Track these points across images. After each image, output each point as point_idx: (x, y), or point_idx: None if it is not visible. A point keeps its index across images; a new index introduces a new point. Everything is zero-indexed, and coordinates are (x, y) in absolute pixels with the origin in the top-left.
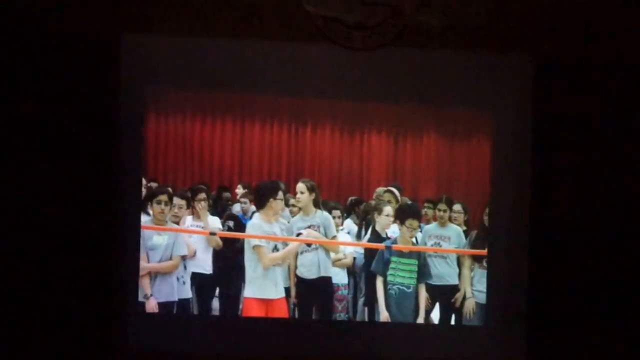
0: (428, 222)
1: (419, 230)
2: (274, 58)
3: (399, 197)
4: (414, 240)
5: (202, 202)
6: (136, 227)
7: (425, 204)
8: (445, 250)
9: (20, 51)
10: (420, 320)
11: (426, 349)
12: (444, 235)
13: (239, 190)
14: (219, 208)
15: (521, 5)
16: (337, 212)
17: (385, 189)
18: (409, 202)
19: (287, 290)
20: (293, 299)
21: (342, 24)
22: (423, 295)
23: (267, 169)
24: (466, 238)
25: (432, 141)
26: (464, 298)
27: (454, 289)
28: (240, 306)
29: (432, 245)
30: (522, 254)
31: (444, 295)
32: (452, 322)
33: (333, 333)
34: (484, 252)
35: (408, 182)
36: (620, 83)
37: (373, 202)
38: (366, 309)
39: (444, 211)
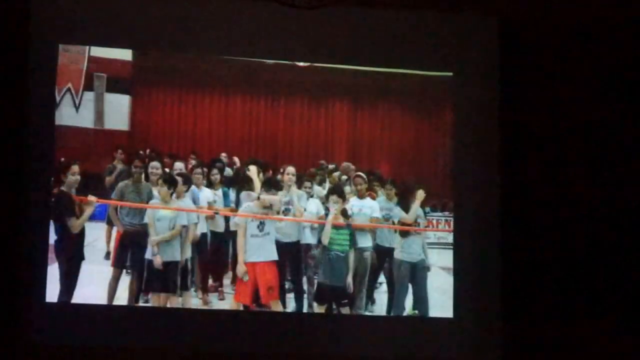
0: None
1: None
2: (208, 16)
3: (365, 180)
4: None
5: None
6: (44, 218)
7: (374, 183)
8: (391, 227)
9: None
10: (349, 278)
11: (395, 342)
12: (390, 207)
13: (193, 161)
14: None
15: None
16: (308, 184)
17: (355, 171)
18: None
19: None
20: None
21: None
22: (352, 259)
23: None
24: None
25: (387, 109)
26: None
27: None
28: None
29: (383, 216)
30: (492, 236)
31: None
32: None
33: (291, 326)
34: (449, 230)
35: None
36: (584, 42)
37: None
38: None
39: (390, 189)
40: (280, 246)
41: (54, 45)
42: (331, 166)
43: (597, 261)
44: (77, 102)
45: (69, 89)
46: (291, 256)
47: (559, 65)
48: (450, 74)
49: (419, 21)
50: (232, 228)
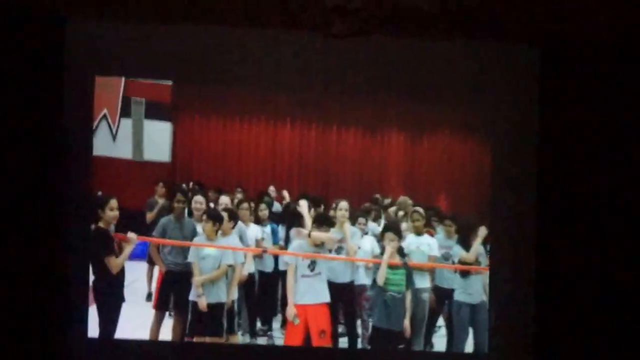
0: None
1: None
2: (242, 47)
3: (423, 216)
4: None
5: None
6: (83, 256)
7: (433, 219)
8: (451, 266)
9: None
10: (407, 322)
11: None
12: (450, 245)
13: (239, 195)
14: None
15: None
16: (362, 220)
17: (413, 205)
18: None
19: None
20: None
21: (320, 8)
22: (409, 300)
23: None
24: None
25: (448, 140)
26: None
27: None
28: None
29: (442, 255)
30: (527, 269)
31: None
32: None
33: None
34: (486, 268)
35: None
36: (628, 70)
37: (397, 210)
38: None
39: (450, 225)
40: (333, 287)
41: (90, 77)
42: (387, 201)
43: (632, 303)
44: (114, 130)
45: (104, 116)
46: (344, 298)
47: (601, 95)
48: (486, 108)
49: (461, 51)
50: (281, 268)
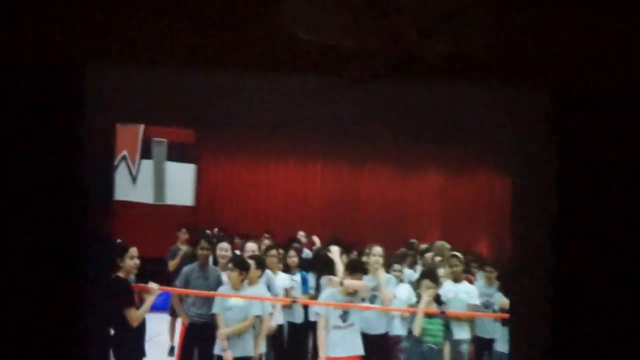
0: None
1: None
2: (262, 90)
3: (462, 261)
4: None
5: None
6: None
7: (472, 264)
8: (493, 315)
9: None
10: None
11: None
12: (491, 293)
13: (266, 241)
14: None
15: (535, 34)
16: (397, 267)
17: (450, 250)
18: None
19: None
20: None
21: (337, 53)
22: (447, 352)
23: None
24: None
25: (487, 179)
26: None
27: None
28: None
29: (482, 303)
30: (546, 316)
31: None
32: None
33: None
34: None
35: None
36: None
37: (434, 256)
38: None
39: (490, 272)
40: (367, 339)
41: (111, 125)
42: (423, 246)
43: None
44: (134, 172)
45: (124, 157)
46: (379, 350)
47: (618, 137)
48: (504, 150)
49: (475, 94)
50: (311, 318)
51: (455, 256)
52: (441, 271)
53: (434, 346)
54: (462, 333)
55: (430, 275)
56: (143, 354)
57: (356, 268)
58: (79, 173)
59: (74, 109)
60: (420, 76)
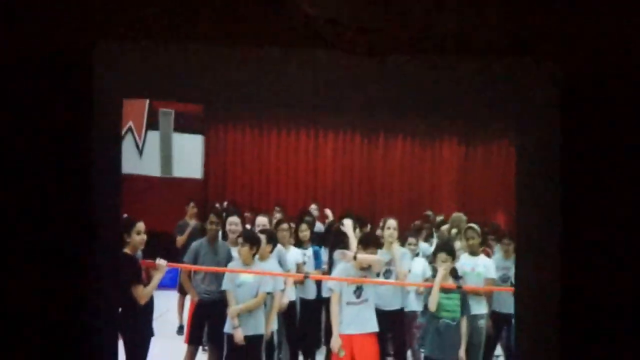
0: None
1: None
2: (268, 66)
3: (479, 233)
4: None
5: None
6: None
7: (490, 237)
8: (511, 289)
9: None
10: (462, 351)
11: None
12: (509, 266)
13: (277, 214)
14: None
15: (547, 10)
16: (412, 240)
17: (467, 222)
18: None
19: None
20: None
21: (345, 28)
22: (464, 327)
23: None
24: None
25: (505, 151)
26: None
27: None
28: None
29: (500, 277)
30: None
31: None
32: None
33: None
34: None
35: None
36: None
37: (450, 228)
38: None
39: (508, 244)
40: (381, 315)
41: (118, 100)
42: (439, 218)
43: None
44: (140, 144)
45: (130, 129)
46: (394, 326)
47: (626, 116)
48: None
49: (485, 68)
50: (324, 294)
51: (472, 228)
52: (457, 244)
53: (450, 322)
54: (479, 308)
55: (446, 248)
56: (151, 332)
57: (370, 242)
58: (85, 147)
59: (81, 84)
60: (432, 51)
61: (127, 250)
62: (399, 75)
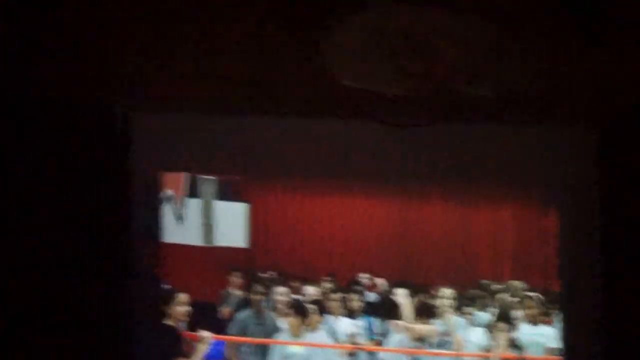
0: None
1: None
2: (308, 137)
3: (539, 302)
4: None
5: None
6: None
7: (550, 305)
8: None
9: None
10: None
11: None
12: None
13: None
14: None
15: (583, 74)
16: (468, 309)
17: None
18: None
19: None
20: None
21: (382, 99)
22: None
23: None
24: None
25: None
26: None
27: None
28: None
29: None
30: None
31: None
32: None
33: None
34: None
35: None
36: None
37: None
38: None
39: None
40: None
41: (156, 173)
42: (496, 286)
43: None
44: (180, 212)
45: (170, 197)
46: None
47: None
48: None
49: (522, 136)
50: None
51: (531, 297)
52: (516, 313)
53: None
54: None
55: (505, 317)
56: None
57: (425, 311)
58: (126, 217)
59: (120, 155)
60: (469, 119)
61: (169, 322)
62: (436, 144)
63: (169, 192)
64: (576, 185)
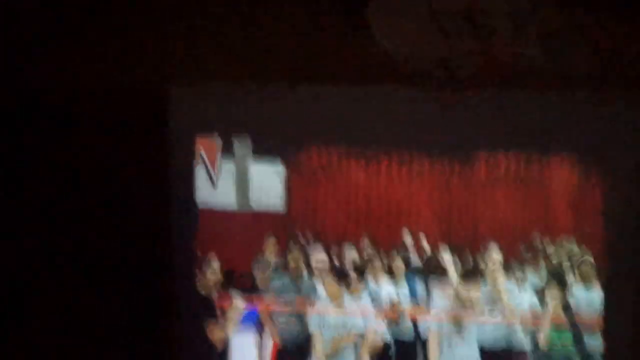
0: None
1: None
2: (348, 104)
3: (594, 265)
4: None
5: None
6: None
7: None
8: None
9: (62, 105)
10: None
11: None
12: None
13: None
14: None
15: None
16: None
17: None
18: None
19: None
20: None
21: (424, 61)
22: None
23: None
24: None
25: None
26: None
27: None
28: None
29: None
30: None
31: None
32: None
33: None
34: None
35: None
36: None
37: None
38: None
39: None
40: (486, 355)
41: (192, 136)
42: (548, 248)
43: None
44: (213, 175)
45: (201, 158)
46: None
47: None
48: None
49: (569, 105)
50: (422, 334)
51: (586, 260)
52: (570, 276)
53: None
54: (595, 344)
55: (557, 280)
56: None
57: (472, 275)
58: (162, 183)
59: (158, 124)
60: (515, 84)
61: (201, 289)
62: (482, 109)
63: (201, 153)
64: (626, 156)
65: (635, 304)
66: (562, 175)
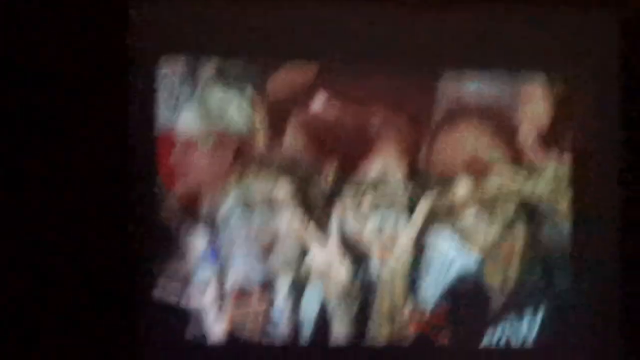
0: None
1: None
2: (307, 19)
3: None
4: None
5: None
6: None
7: None
8: None
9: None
10: None
11: None
12: None
13: None
14: None
15: None
16: None
17: None
18: None
19: None
20: None
21: None
22: None
23: None
24: None
25: None
26: None
27: None
28: None
29: None
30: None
31: None
32: None
33: None
34: None
35: None
36: None
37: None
38: None
39: None
40: (454, 291)
41: (156, 57)
42: (518, 179)
43: None
44: (176, 99)
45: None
46: None
47: None
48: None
49: (537, 19)
50: (388, 273)
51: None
52: (539, 209)
53: None
54: (565, 279)
55: (527, 214)
56: None
57: (439, 209)
58: (121, 108)
59: (118, 41)
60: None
61: (162, 220)
62: (461, 26)
63: (168, 75)
64: (595, 74)
65: (602, 236)
66: (532, 100)
